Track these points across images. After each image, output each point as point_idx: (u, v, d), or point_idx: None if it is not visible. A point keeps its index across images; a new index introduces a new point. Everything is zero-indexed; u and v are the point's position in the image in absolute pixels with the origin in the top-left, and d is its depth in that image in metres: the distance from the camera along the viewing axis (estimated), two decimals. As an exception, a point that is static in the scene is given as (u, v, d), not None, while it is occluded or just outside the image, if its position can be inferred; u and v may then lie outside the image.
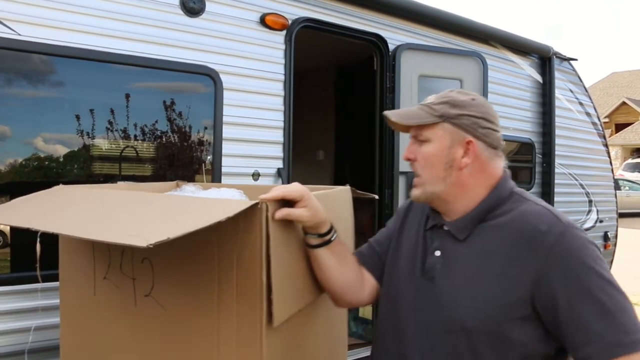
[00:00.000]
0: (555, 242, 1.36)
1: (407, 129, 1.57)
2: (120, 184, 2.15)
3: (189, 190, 2.15)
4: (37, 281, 2.03)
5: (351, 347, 3.30)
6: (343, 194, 1.91)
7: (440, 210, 1.55)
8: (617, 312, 1.30)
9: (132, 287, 1.58)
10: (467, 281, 1.43)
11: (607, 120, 33.24)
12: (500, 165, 1.54)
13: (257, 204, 1.33)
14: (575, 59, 5.45)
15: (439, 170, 1.49)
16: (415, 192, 1.54)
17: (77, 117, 2.58)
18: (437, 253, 1.51)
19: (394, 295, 1.58)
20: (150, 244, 1.11)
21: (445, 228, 1.53)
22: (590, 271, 1.33)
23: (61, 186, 1.89)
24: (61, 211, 1.65)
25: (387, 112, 1.57)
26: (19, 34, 2.39)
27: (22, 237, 2.53)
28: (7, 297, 2.36)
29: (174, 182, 2.37)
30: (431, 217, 1.58)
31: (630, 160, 28.39)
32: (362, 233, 2.82)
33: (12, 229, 2.53)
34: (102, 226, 1.43)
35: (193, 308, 1.47)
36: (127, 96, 2.72)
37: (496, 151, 1.52)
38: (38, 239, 1.80)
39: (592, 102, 5.76)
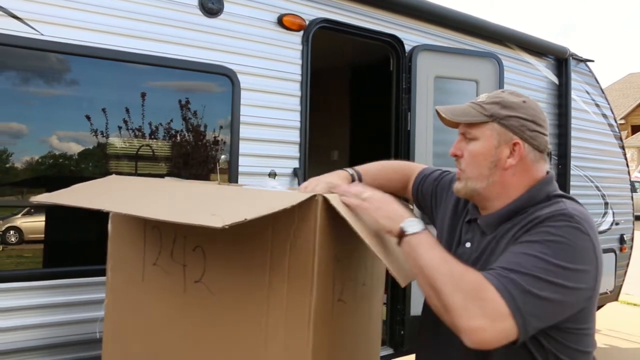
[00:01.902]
0: (544, 220, 1.38)
1: (455, 124, 1.59)
2: (167, 179, 2.21)
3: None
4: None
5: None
6: None
7: (480, 205, 1.59)
8: (529, 268, 1.30)
9: (183, 274, 1.64)
10: None
11: (623, 121, 32.87)
12: (543, 168, 1.56)
13: (314, 196, 1.41)
14: (592, 60, 5.42)
15: (483, 168, 1.52)
16: (458, 185, 1.58)
17: (98, 116, 2.62)
18: (467, 245, 1.57)
19: None
20: (226, 225, 1.19)
21: (478, 222, 1.57)
22: (541, 243, 1.34)
23: (115, 176, 1.96)
24: (127, 196, 1.74)
25: (438, 107, 1.60)
26: (42, 34, 2.44)
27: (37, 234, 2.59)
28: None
29: (216, 182, 2.44)
30: (471, 210, 1.63)
31: (646, 163, 28.09)
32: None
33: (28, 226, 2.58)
34: (175, 210, 1.51)
35: (243, 294, 1.52)
36: (147, 95, 2.76)
37: (542, 154, 1.54)
38: (110, 220, 1.87)
39: (608, 104, 5.71)
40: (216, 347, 1.58)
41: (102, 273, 2.53)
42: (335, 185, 1.68)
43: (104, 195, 1.80)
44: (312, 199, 1.42)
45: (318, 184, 1.73)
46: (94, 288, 2.54)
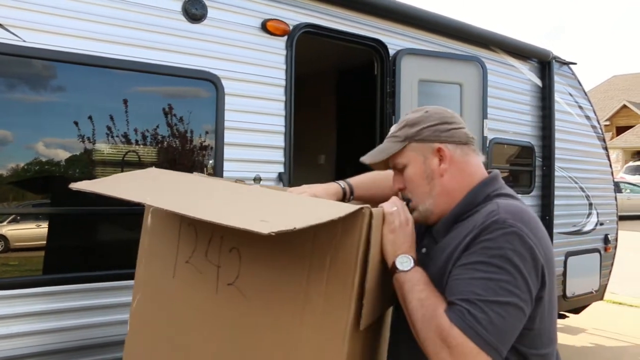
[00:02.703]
0: (479, 233, 1.40)
1: (386, 165, 1.65)
2: (196, 174, 2.18)
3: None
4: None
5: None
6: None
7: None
8: (482, 290, 1.33)
9: (216, 275, 1.61)
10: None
11: (608, 123, 33.22)
12: (478, 160, 1.60)
13: (361, 209, 1.38)
14: (575, 63, 5.48)
15: (423, 186, 1.57)
16: (414, 215, 1.59)
17: (81, 122, 2.61)
18: (423, 250, 1.59)
19: None
20: (273, 232, 1.17)
21: (432, 230, 1.60)
22: (484, 263, 1.36)
23: (154, 168, 1.96)
24: (167, 190, 1.71)
25: (362, 158, 1.68)
26: (24, 40, 2.43)
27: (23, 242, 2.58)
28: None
29: (235, 180, 2.41)
30: None
31: (631, 163, 28.39)
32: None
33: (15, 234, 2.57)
34: (221, 211, 1.48)
35: (277, 302, 1.48)
36: (131, 102, 2.75)
37: (468, 146, 1.59)
38: (145, 212, 1.83)
39: (591, 106, 5.77)
40: (244, 352, 1.54)
41: (90, 280, 2.56)
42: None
43: (144, 187, 1.76)
44: (359, 211, 1.38)
45: (304, 192, 1.75)
46: (84, 295, 2.55)
